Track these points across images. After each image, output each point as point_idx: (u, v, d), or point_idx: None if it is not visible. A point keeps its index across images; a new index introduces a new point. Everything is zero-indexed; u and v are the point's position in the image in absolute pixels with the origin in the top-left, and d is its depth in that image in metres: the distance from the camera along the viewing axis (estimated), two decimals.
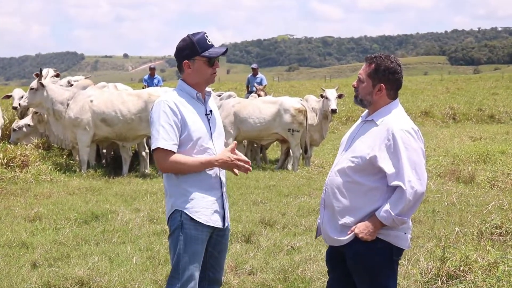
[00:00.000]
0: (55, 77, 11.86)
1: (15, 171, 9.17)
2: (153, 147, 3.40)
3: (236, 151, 3.51)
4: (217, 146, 3.53)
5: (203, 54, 3.44)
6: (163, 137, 3.35)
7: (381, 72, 3.31)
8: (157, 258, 5.50)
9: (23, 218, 6.97)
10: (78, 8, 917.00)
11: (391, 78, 3.32)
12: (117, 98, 10.09)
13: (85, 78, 12.17)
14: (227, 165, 3.42)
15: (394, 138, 3.20)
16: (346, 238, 3.31)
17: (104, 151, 11.41)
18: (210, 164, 3.41)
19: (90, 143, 10.13)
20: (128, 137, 10.14)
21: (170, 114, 3.37)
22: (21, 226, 6.64)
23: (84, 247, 5.89)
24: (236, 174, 3.51)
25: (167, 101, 3.41)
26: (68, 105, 10.07)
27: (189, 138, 3.41)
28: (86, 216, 7.01)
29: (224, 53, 3.51)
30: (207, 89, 3.61)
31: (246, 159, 3.47)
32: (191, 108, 3.46)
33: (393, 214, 3.18)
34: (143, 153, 10.55)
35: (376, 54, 3.39)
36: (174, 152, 3.37)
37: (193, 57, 3.45)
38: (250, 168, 3.46)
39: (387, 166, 3.20)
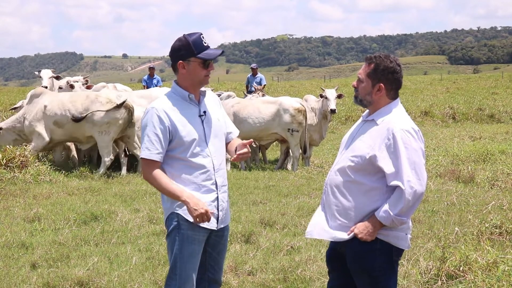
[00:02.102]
0: (54, 79, 11.85)
1: (14, 172, 9.15)
2: (140, 156, 3.49)
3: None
4: (212, 147, 3.50)
5: (199, 55, 3.42)
6: (147, 147, 3.40)
7: (380, 71, 3.30)
8: (156, 259, 5.50)
9: (22, 218, 6.96)
10: (77, 8, 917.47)
11: (391, 77, 3.31)
12: (68, 98, 10.18)
13: (84, 78, 12.19)
14: (189, 209, 3.35)
15: (394, 138, 3.20)
16: (346, 235, 3.30)
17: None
18: (177, 198, 3.37)
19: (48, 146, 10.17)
20: (79, 137, 10.18)
21: (157, 123, 3.38)
22: (20, 226, 6.63)
23: (84, 248, 5.88)
24: (192, 216, 3.38)
25: (156, 109, 3.42)
26: (24, 118, 10.15)
27: (181, 142, 3.41)
28: (86, 216, 6.99)
29: (220, 55, 3.50)
30: (203, 88, 3.59)
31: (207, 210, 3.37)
32: (183, 111, 3.45)
33: (392, 214, 3.17)
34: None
35: (375, 54, 3.38)
36: (157, 162, 3.40)
37: (188, 58, 3.43)
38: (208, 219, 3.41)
39: (387, 165, 3.20)
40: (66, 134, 10.09)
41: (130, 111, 10.01)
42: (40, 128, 9.99)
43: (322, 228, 3.39)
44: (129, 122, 10.07)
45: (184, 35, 3.48)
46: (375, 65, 3.31)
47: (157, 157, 3.39)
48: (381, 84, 3.31)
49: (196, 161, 3.43)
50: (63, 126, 9.97)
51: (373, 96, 3.34)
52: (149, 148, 3.38)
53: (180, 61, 3.44)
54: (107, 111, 9.79)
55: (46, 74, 11.74)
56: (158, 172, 3.40)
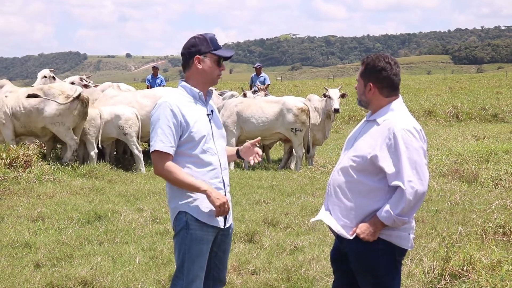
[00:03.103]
0: (45, 78, 11.77)
1: (18, 171, 9.16)
2: (151, 149, 3.42)
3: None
4: (218, 146, 3.53)
5: (215, 52, 3.47)
6: (161, 139, 3.36)
7: (368, 71, 3.35)
8: (160, 258, 5.50)
9: (26, 218, 6.97)
10: (81, 7, 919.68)
11: (379, 76, 3.32)
12: (23, 92, 10.35)
13: (86, 77, 12.18)
14: (211, 200, 3.35)
15: (395, 138, 3.19)
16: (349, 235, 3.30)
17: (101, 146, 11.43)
18: (196, 190, 3.36)
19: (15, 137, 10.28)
20: (33, 130, 10.29)
21: (170, 116, 3.37)
22: (24, 226, 6.64)
23: (87, 247, 5.89)
24: (215, 206, 3.39)
25: (169, 102, 3.41)
26: None
27: (191, 138, 3.41)
28: (89, 216, 7.00)
29: (230, 57, 3.56)
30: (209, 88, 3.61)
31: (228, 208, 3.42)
32: (193, 108, 3.46)
33: (393, 214, 3.17)
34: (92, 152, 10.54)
35: (369, 54, 3.42)
36: (171, 155, 3.38)
37: (205, 54, 3.46)
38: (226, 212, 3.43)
39: (388, 165, 3.19)
40: (22, 127, 10.23)
41: (84, 103, 10.15)
42: (1, 117, 10.15)
43: (331, 218, 3.38)
44: (84, 114, 10.19)
45: (198, 34, 3.54)
46: (365, 65, 3.38)
47: (171, 150, 3.37)
48: (370, 83, 3.34)
49: (205, 158, 3.44)
50: (18, 118, 10.15)
51: (366, 95, 3.37)
52: (163, 141, 3.36)
53: (197, 55, 3.46)
54: (58, 103, 9.96)
55: (41, 74, 11.85)
56: (172, 165, 3.37)
